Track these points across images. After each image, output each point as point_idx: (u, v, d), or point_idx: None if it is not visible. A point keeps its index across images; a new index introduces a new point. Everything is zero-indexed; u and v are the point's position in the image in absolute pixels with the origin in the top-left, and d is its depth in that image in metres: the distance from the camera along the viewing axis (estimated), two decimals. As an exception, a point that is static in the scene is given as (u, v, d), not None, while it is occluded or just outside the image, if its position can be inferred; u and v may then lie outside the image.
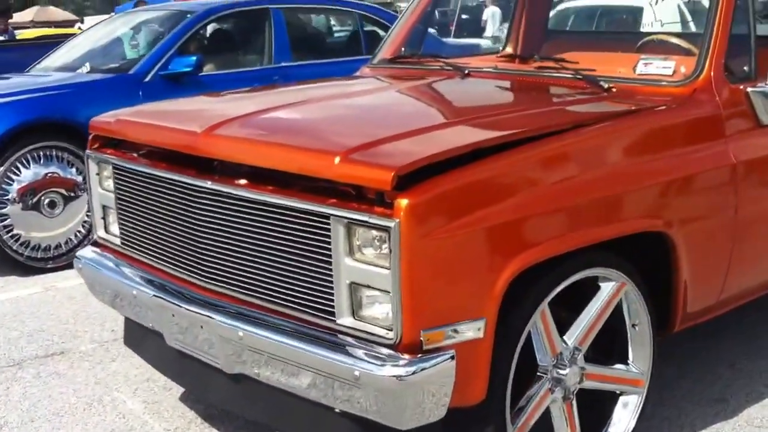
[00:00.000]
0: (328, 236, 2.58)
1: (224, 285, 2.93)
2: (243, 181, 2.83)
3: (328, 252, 2.60)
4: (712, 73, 3.28)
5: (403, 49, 4.55)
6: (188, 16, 6.72)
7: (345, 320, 2.62)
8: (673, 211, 3.05)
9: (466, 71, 3.80)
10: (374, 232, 2.52)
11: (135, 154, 3.30)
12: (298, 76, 6.42)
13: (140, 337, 3.49)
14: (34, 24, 25.21)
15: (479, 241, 2.56)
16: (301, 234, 2.66)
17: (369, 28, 7.95)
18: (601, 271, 2.94)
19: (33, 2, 35.92)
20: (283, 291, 2.75)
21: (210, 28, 7.07)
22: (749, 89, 3.35)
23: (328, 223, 2.58)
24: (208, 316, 2.90)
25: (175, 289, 3.09)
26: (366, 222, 2.50)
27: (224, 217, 2.87)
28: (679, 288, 3.14)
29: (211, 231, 2.93)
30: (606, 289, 2.98)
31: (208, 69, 6.72)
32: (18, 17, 24.55)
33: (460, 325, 2.55)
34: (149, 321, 3.22)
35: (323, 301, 2.65)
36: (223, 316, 2.88)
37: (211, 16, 6.87)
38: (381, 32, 7.89)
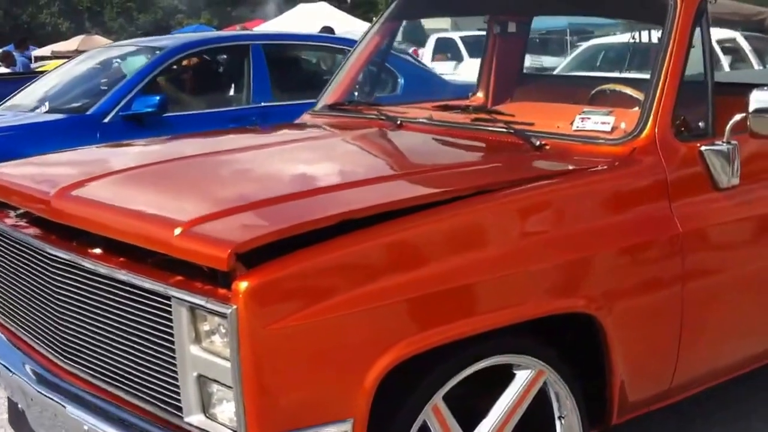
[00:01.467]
0: (170, 320, 2.22)
1: (81, 368, 2.58)
2: (98, 251, 2.48)
3: (171, 339, 2.23)
4: (656, 130, 2.87)
5: (356, 93, 4.23)
6: (157, 52, 6.41)
7: (194, 418, 2.25)
8: (600, 290, 2.63)
9: (399, 122, 3.42)
10: (217, 319, 2.15)
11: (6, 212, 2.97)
12: (277, 116, 6.08)
13: (19, 417, 3.13)
14: (79, 53, 25.08)
15: (342, 330, 2.18)
16: (145, 317, 2.30)
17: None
18: (511, 359, 2.53)
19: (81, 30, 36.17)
20: (133, 381, 2.39)
21: (182, 65, 6.74)
22: (703, 148, 2.93)
23: (170, 306, 2.21)
24: (59, 403, 2.54)
25: (33, 368, 2.74)
26: (204, 307, 2.14)
27: (79, 291, 2.52)
28: (614, 375, 2.72)
29: (68, 306, 2.58)
30: (521, 378, 2.57)
31: (178, 109, 6.40)
32: (63, 46, 24.52)
33: (322, 428, 2.17)
34: (16, 399, 2.88)
35: (170, 395, 2.28)
36: (74, 404, 2.52)
37: (184, 53, 6.56)
38: (384, 72, 7.56)
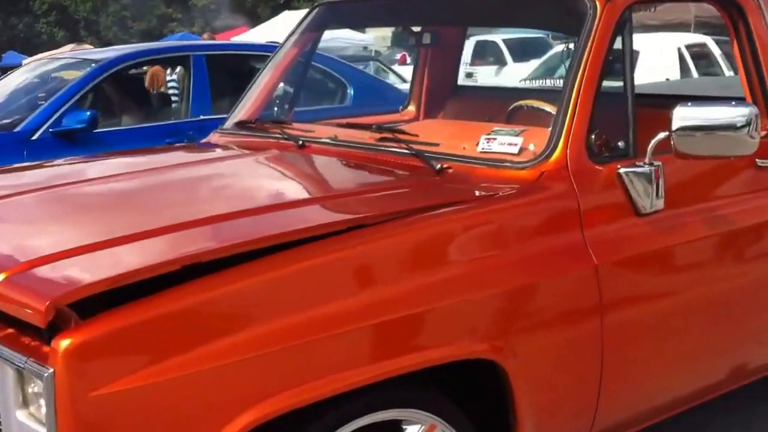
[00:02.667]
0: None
1: None
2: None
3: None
4: (567, 152, 2.60)
5: (276, 109, 3.95)
6: (92, 65, 6.11)
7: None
8: (501, 332, 2.35)
9: (301, 142, 3.14)
10: (40, 382, 1.87)
11: None
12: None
13: None
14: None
15: (186, 392, 1.90)
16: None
17: (310, 76, 7.32)
18: (397, 414, 2.24)
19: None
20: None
21: (118, 78, 6.44)
22: (622, 170, 2.65)
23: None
24: None
25: None
26: (23, 368, 1.86)
27: None
28: (520, 426, 2.44)
29: None
30: (410, 434, 2.29)
31: (112, 124, 6.11)
32: (51, 54, 23.96)
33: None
34: None
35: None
36: None
37: (120, 65, 6.25)
38: (328, 82, 7.28)
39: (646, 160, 2.66)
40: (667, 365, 2.81)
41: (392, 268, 2.21)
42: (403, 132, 2.91)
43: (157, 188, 2.81)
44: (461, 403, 2.43)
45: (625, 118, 2.74)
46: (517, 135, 2.72)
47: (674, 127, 2.59)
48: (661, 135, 2.63)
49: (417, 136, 2.88)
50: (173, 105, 7.07)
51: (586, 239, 2.54)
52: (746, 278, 2.95)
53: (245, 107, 3.68)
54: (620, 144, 2.73)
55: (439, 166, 2.69)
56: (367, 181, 2.79)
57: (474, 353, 2.29)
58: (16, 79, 6.82)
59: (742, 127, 2.57)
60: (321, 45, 4.04)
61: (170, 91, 7.44)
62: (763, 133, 3.07)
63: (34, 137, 5.67)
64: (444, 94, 4.29)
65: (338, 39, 15.43)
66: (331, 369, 2.07)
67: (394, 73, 13.99)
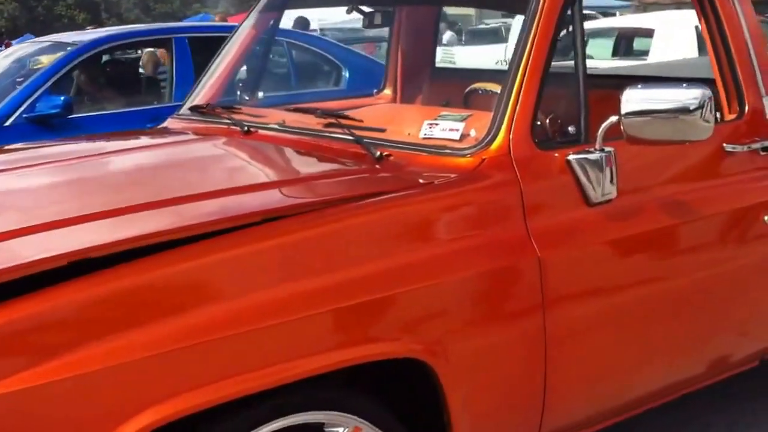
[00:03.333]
0: None
1: None
2: None
3: None
4: (510, 138, 2.44)
5: (239, 92, 3.82)
6: (68, 48, 5.99)
7: None
8: (430, 330, 2.21)
9: (246, 128, 3.01)
10: None
11: None
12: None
13: None
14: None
15: (70, 395, 1.78)
16: None
17: (302, 58, 7.19)
18: (315, 416, 2.11)
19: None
20: None
21: (96, 62, 6.31)
22: (572, 157, 2.50)
23: None
24: None
25: None
26: None
27: None
28: (455, 429, 2.30)
29: None
30: (332, 439, 2.16)
31: (91, 109, 5.99)
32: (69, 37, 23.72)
33: None
34: None
35: None
36: None
37: (98, 48, 6.12)
38: (323, 65, 7.14)
39: (596, 146, 2.51)
40: (624, 363, 2.66)
41: (308, 262, 2.07)
42: (347, 117, 2.76)
43: (77, 178, 2.68)
44: (399, 404, 2.31)
45: (576, 101, 2.58)
46: (461, 120, 2.57)
47: (623, 110, 2.44)
48: (612, 119, 2.48)
49: (361, 121, 2.73)
50: (162, 90, 6.95)
51: (529, 230, 2.39)
52: (708, 271, 2.79)
53: (202, 91, 3.54)
54: (570, 129, 2.58)
55: (378, 153, 2.55)
56: (299, 170, 2.65)
57: (398, 353, 2.15)
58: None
59: (695, 110, 2.41)
60: (341, 23, 3.93)
61: (160, 76, 7.31)
62: (732, 116, 2.94)
63: (7, 123, 5.57)
64: (421, 77, 4.15)
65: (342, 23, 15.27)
66: (239, 369, 1.94)
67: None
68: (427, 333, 2.20)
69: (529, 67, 2.50)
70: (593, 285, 2.52)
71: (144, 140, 3.24)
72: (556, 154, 2.50)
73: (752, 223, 2.88)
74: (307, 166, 2.68)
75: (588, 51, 10.47)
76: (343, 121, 2.73)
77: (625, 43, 9.71)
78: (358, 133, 2.67)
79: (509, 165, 2.42)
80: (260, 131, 2.98)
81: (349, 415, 2.15)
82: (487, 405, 2.37)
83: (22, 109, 5.62)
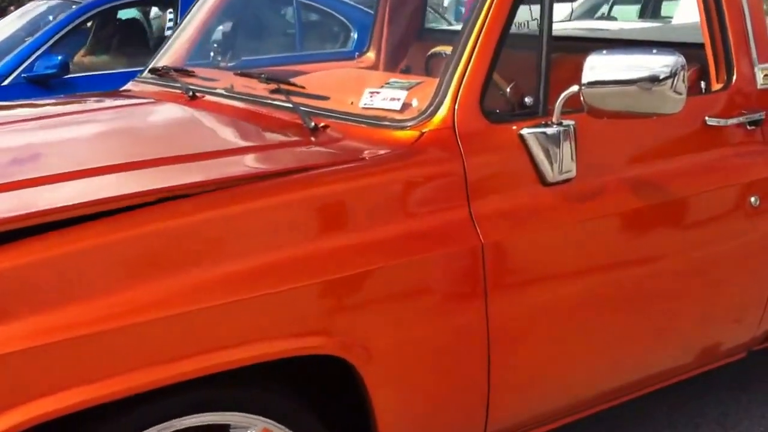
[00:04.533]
0: None
1: None
2: None
3: None
4: (455, 109, 2.21)
5: (212, 54, 3.65)
6: (72, 7, 5.84)
7: None
8: (352, 324, 2.00)
9: (191, 93, 2.82)
10: None
11: None
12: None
13: None
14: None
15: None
16: None
17: (313, 18, 6.96)
18: (213, 418, 1.93)
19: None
20: None
21: (102, 21, 6.16)
22: (526, 131, 2.26)
23: None
24: None
25: None
26: None
27: None
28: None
29: None
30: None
31: (91, 68, 5.85)
32: None
33: None
34: None
35: None
36: None
37: (101, 7, 5.96)
38: (332, 25, 6.89)
39: (554, 119, 2.27)
40: (582, 359, 2.44)
41: (204, 248, 1.87)
42: (289, 83, 2.55)
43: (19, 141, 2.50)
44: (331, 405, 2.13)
45: (537, 68, 2.34)
46: (405, 88, 2.34)
47: (584, 79, 2.19)
48: (572, 89, 2.24)
49: (304, 88, 2.52)
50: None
51: (472, 213, 2.17)
52: (683, 258, 2.54)
53: (167, 52, 3.36)
54: (527, 100, 2.34)
55: (313, 124, 2.34)
56: (221, 142, 2.44)
57: (312, 350, 1.96)
58: (7, 24, 6.59)
59: (665, 79, 2.15)
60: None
61: (167, 34, 7.15)
62: (719, 86, 2.67)
63: (5, 83, 5.46)
64: (407, 39, 3.91)
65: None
66: (126, 366, 1.76)
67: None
68: (347, 328, 1.99)
69: (484, 28, 2.26)
70: (546, 274, 2.29)
71: (84, 105, 3.06)
72: (509, 128, 2.27)
73: (736, 205, 2.62)
74: (233, 137, 2.48)
75: (614, 13, 10.01)
76: (285, 87, 2.53)
77: (652, 6, 9.29)
78: (301, 101, 2.47)
79: (452, 139, 2.19)
80: (207, 97, 2.79)
81: (254, 416, 1.96)
82: (421, 406, 2.17)
83: (21, 69, 5.51)
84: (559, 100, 2.26)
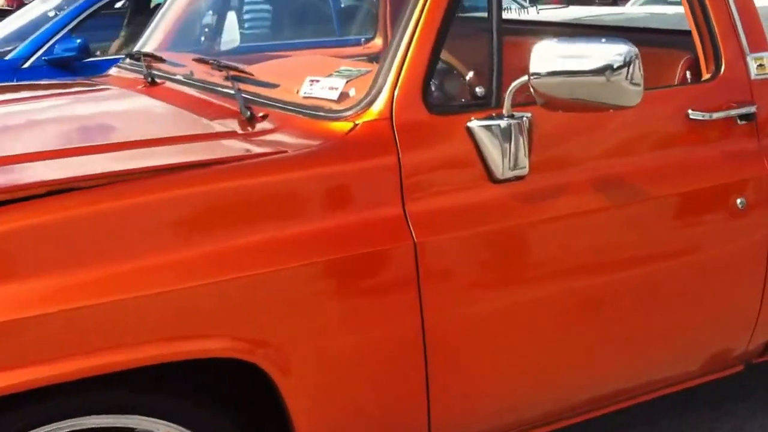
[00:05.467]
0: None
1: None
2: None
3: None
4: (394, 100, 2.05)
5: (203, 39, 3.54)
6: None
7: None
8: (266, 327, 1.86)
9: (150, 79, 2.71)
10: None
11: None
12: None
13: None
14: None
15: None
16: None
17: (348, 2, 6.79)
18: (109, 420, 1.81)
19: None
20: None
21: (135, 6, 6.13)
22: (474, 124, 2.09)
23: None
24: None
25: None
26: None
27: None
28: None
29: None
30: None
31: (112, 53, 5.83)
32: None
33: None
34: None
35: None
36: None
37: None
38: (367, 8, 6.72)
39: (504, 111, 2.09)
40: (536, 368, 2.25)
41: (101, 243, 1.74)
42: (239, 70, 2.42)
43: None
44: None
45: (488, 54, 2.16)
46: (348, 77, 2.19)
47: (531, 69, 2.01)
48: (523, 79, 2.06)
49: (253, 75, 2.39)
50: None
51: (406, 211, 2.01)
52: (647, 266, 2.32)
53: (149, 37, 3.25)
54: (478, 90, 2.16)
55: (248, 113, 2.20)
56: (149, 131, 2.30)
57: (216, 352, 1.82)
58: (37, 7, 6.60)
59: (619, 69, 1.97)
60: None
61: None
62: (707, 75, 2.46)
63: (26, 65, 5.45)
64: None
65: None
66: (12, 363, 1.66)
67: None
68: (258, 331, 1.86)
69: (425, 11, 2.09)
70: (490, 279, 2.11)
71: (38, 93, 2.97)
72: (454, 120, 2.10)
73: (719, 207, 2.40)
74: (164, 127, 2.34)
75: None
76: (235, 74, 2.39)
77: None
78: (251, 88, 2.34)
79: (387, 132, 2.03)
80: (167, 83, 2.68)
81: (155, 420, 1.85)
82: (348, 419, 2.02)
83: (41, 51, 5.49)
84: (509, 91, 2.08)
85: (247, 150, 2.02)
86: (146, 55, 2.93)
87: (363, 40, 3.82)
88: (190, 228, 1.82)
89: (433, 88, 2.13)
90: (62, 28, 5.57)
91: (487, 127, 2.08)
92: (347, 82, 2.15)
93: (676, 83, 2.54)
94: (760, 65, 2.47)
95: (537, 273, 2.17)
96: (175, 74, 2.69)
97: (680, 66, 2.57)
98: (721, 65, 2.43)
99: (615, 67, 1.96)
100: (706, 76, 2.46)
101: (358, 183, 1.99)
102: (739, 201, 2.40)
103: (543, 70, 1.99)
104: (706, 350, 2.55)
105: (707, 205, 2.39)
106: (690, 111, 2.36)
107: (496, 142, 2.09)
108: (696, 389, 2.65)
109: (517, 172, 2.11)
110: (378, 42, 3.76)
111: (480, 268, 2.10)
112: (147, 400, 1.84)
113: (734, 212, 2.40)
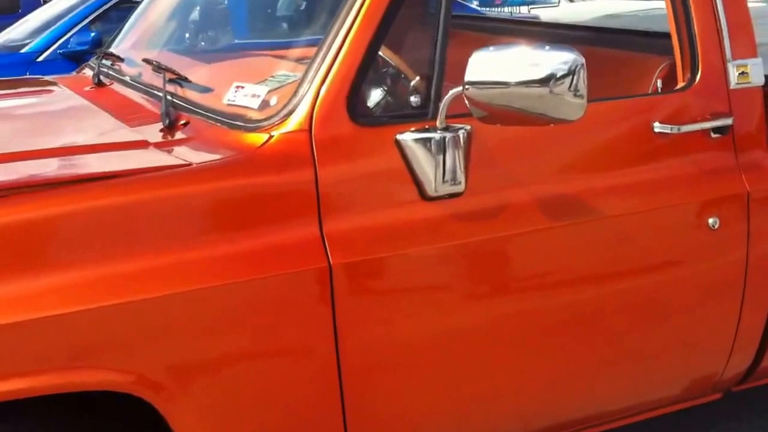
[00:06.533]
0: None
1: None
2: None
3: None
4: (315, 110, 1.89)
5: (188, 36, 3.41)
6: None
7: None
8: (153, 357, 1.71)
9: (97, 80, 2.60)
10: None
11: None
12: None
13: None
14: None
15: None
16: None
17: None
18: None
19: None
20: None
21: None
22: (404, 136, 1.92)
23: None
24: None
25: None
26: None
27: None
28: None
29: None
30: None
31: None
32: None
33: None
34: None
35: None
36: None
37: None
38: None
39: (438, 123, 1.92)
40: (451, 399, 2.05)
41: None
42: (175, 73, 2.27)
43: None
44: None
45: (429, 62, 1.99)
46: (280, 84, 2.03)
47: (467, 78, 1.84)
48: (458, 89, 1.88)
49: (187, 79, 2.25)
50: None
51: (323, 230, 1.85)
52: (598, 290, 2.13)
53: (124, 34, 3.13)
54: (413, 100, 1.99)
55: (167, 120, 2.06)
56: (60, 138, 2.17)
57: (87, 385, 1.67)
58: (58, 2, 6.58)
59: (561, 79, 1.78)
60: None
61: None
62: (682, 84, 2.25)
63: (40, 59, 5.41)
64: (408, 26, 3.57)
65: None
66: None
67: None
68: (144, 362, 1.72)
69: (363, 11, 1.92)
70: (415, 304, 1.94)
71: (24, 89, 2.88)
72: (386, 133, 1.93)
73: (687, 227, 2.19)
74: (78, 133, 2.21)
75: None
76: (170, 77, 2.25)
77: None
78: (185, 92, 2.20)
79: (304, 145, 1.87)
80: (114, 85, 2.56)
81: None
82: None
83: (56, 45, 5.45)
84: (443, 102, 1.91)
85: (149, 162, 1.87)
86: (108, 54, 2.82)
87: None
88: (69, 249, 1.68)
89: (363, 98, 1.96)
90: (80, 22, 5.52)
91: (418, 140, 1.91)
92: (270, 90, 1.99)
93: (649, 92, 2.33)
94: (743, 73, 2.25)
95: (467, 298, 1.99)
96: (124, 75, 2.57)
97: (657, 72, 2.37)
98: (697, 73, 2.21)
99: (558, 77, 1.77)
100: (680, 84, 2.24)
101: (266, 200, 1.83)
102: (710, 221, 2.19)
103: (478, 79, 1.82)
104: (674, 377, 2.35)
105: (673, 224, 2.18)
106: (655, 123, 2.15)
107: (428, 157, 1.91)
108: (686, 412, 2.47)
109: (451, 189, 1.93)
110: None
111: (403, 292, 1.93)
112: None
113: (705, 232, 2.19)
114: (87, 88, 2.59)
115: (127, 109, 2.28)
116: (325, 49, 1.92)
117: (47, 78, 3.03)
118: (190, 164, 1.85)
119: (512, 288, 2.03)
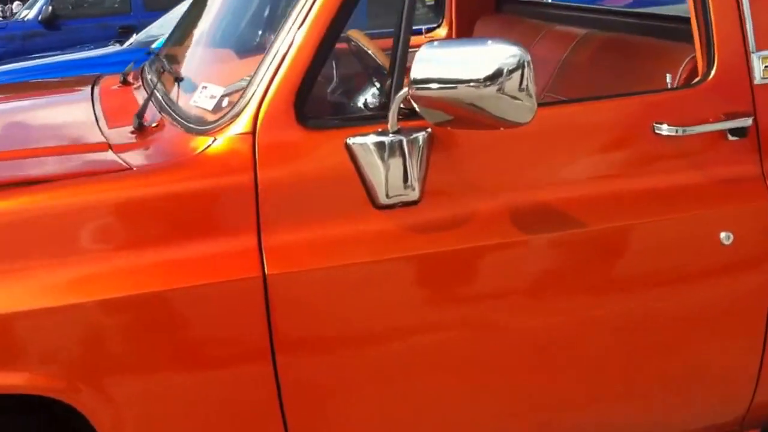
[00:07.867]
0: None
1: None
2: None
3: None
4: (260, 113, 1.79)
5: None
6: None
7: None
8: (76, 361, 1.69)
9: (122, 79, 2.61)
10: None
11: None
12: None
13: None
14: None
15: None
16: None
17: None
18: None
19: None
20: None
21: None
22: (354, 140, 1.80)
23: None
24: None
25: None
26: None
27: None
28: None
29: None
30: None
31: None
32: None
33: None
34: None
35: None
36: None
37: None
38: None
39: (389, 126, 1.79)
40: (396, 421, 1.92)
41: None
42: (170, 70, 2.25)
43: None
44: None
45: (390, 62, 1.85)
46: (237, 86, 1.95)
47: (411, 76, 1.70)
48: (406, 90, 1.75)
49: (178, 74, 2.21)
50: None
51: (261, 239, 1.77)
52: (557, 318, 1.91)
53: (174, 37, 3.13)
54: (370, 101, 1.87)
55: (137, 122, 2.03)
56: (41, 138, 2.17)
57: (12, 388, 1.68)
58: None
59: (506, 76, 1.62)
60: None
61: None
62: (697, 78, 2.01)
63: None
64: (483, 11, 3.44)
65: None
66: None
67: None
68: (69, 369, 1.70)
69: (312, 11, 1.82)
70: (359, 320, 1.82)
71: (22, 92, 2.94)
72: (336, 137, 1.82)
73: (696, 242, 1.94)
74: (59, 135, 2.21)
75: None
76: (165, 74, 2.24)
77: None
78: (172, 93, 2.17)
79: (246, 150, 1.79)
80: (134, 85, 2.57)
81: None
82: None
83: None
84: (393, 103, 1.77)
85: (96, 165, 1.85)
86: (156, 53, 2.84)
87: (424, 30, 3.50)
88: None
89: (314, 100, 1.86)
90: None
91: (369, 144, 1.79)
92: (227, 91, 1.93)
93: (668, 86, 2.09)
94: (768, 66, 1.97)
95: (413, 315, 1.84)
96: (147, 75, 2.58)
97: (684, 65, 2.11)
98: (713, 65, 1.95)
99: (503, 73, 1.61)
100: (697, 78, 1.99)
101: (201, 206, 1.77)
102: (723, 235, 1.93)
103: (421, 77, 1.68)
104: (688, 409, 2.09)
105: (678, 238, 1.94)
106: (656, 125, 1.91)
107: (378, 162, 1.79)
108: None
109: (404, 197, 1.80)
110: (441, 32, 3.48)
111: (347, 307, 1.81)
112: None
113: (716, 249, 1.93)
114: (113, 87, 2.61)
115: (122, 110, 2.28)
116: (274, 49, 1.84)
117: (108, 76, 3.08)
118: (130, 168, 1.81)
119: (465, 308, 1.86)
